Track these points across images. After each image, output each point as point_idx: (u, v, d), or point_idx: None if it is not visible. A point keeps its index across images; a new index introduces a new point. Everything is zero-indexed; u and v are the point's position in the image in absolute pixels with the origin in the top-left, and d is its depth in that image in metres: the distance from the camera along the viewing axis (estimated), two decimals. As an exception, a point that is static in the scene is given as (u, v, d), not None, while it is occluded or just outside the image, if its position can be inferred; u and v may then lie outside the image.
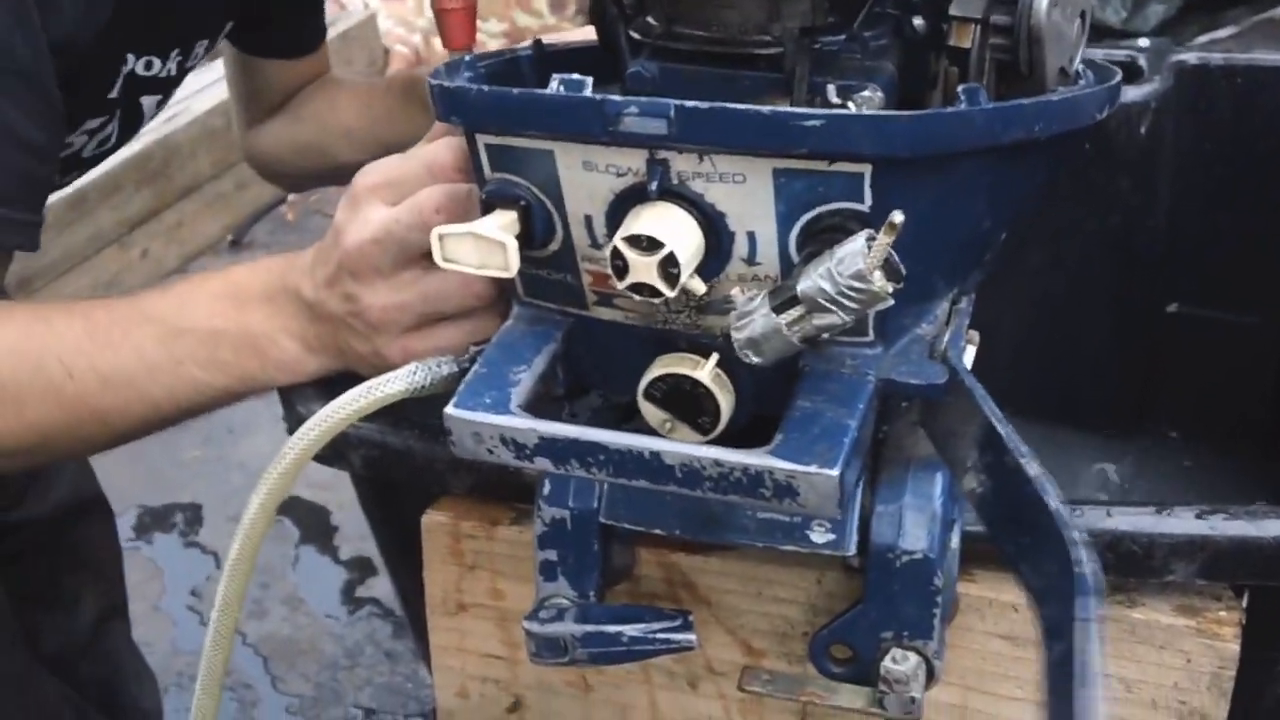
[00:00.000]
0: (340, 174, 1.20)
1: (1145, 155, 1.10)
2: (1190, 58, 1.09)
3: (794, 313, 0.50)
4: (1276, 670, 0.72)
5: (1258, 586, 0.68)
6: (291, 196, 2.66)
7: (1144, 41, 1.15)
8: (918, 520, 0.60)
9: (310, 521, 1.90)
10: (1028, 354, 1.17)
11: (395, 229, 0.68)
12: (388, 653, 1.70)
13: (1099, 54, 1.12)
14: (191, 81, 2.75)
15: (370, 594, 1.78)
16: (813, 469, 0.51)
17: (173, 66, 0.93)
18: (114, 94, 0.90)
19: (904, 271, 0.49)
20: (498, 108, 0.55)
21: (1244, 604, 0.68)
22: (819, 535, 0.62)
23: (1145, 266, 1.13)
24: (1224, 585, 0.68)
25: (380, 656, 1.70)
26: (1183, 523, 0.66)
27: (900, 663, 0.62)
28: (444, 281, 0.69)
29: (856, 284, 0.49)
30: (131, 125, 0.97)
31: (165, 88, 0.96)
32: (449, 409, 0.56)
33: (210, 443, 2.05)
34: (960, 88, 0.55)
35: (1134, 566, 0.66)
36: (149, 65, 0.91)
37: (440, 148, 0.69)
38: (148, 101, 0.95)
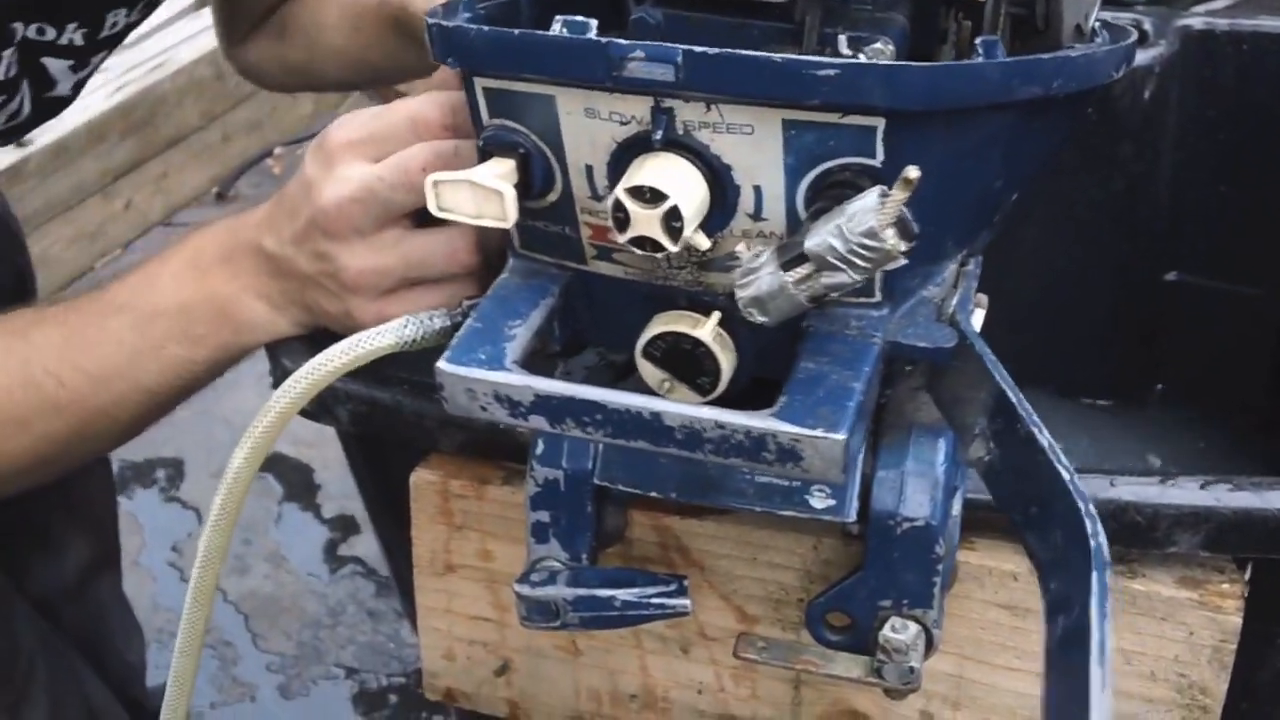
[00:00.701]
0: (329, 87, 1.17)
1: (1148, 121, 1.08)
2: (1195, 23, 1.08)
3: (802, 271, 0.49)
4: (1278, 644, 0.71)
5: (1261, 559, 0.67)
6: (278, 150, 2.63)
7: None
8: (920, 487, 0.59)
9: (293, 479, 1.89)
10: (1028, 321, 1.15)
11: (378, 187, 0.65)
12: (370, 612, 1.69)
13: (1106, 17, 1.10)
14: (178, 30, 2.73)
15: (353, 553, 1.77)
16: (818, 433, 0.50)
17: (76, 37, 0.89)
18: (3, 75, 0.87)
19: (917, 229, 0.48)
20: (497, 49, 0.53)
21: (1246, 577, 0.67)
22: (819, 500, 0.61)
23: (1148, 234, 1.12)
24: (1227, 557, 0.67)
25: (362, 615, 1.69)
26: (1187, 493, 0.65)
27: (900, 632, 0.60)
28: (429, 247, 0.67)
29: (868, 242, 0.47)
30: (44, 90, 0.93)
31: (77, 55, 0.91)
32: (441, 364, 0.54)
33: (194, 397, 2.03)
34: (978, 40, 0.53)
35: (1136, 537, 0.65)
36: (41, 31, 0.87)
37: (425, 103, 0.67)
38: (56, 65, 0.91)
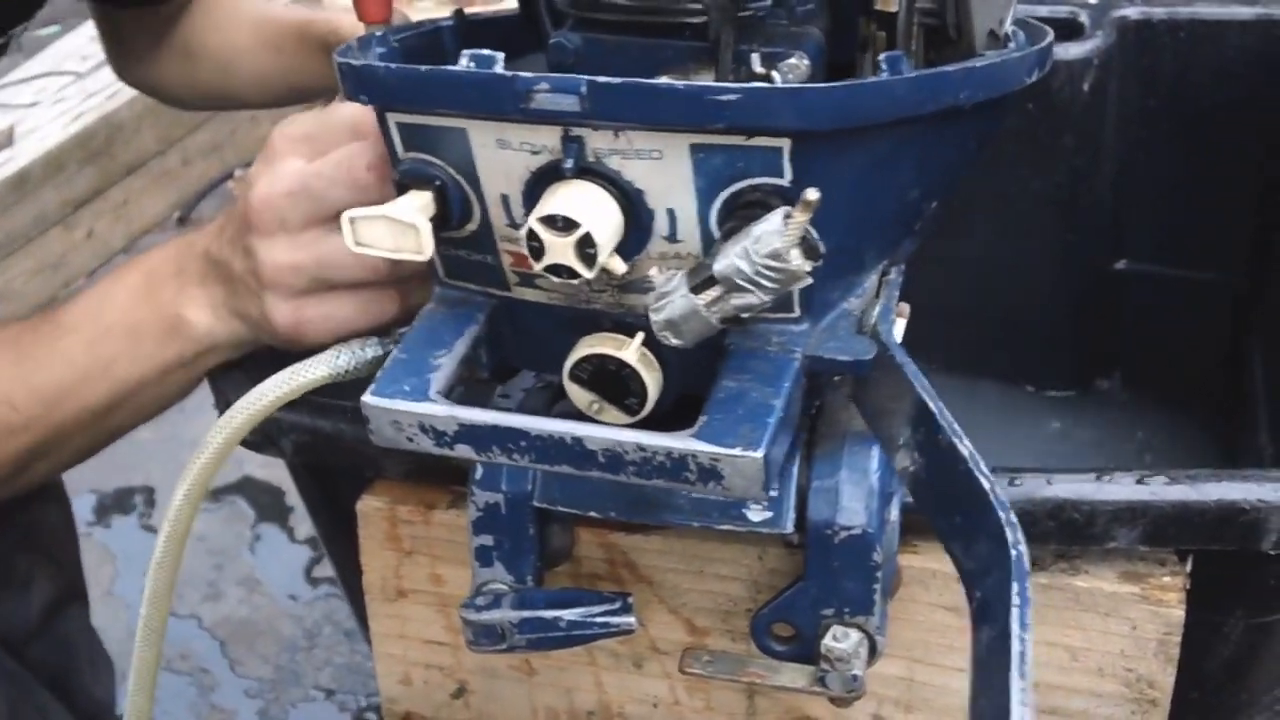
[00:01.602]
0: (248, 107, 1.13)
1: (1089, 112, 1.09)
2: (1132, 12, 1.08)
3: (712, 293, 0.49)
4: (1222, 633, 0.72)
5: (1201, 550, 0.67)
6: (238, 172, 2.62)
7: (1087, -4, 1.14)
8: (855, 495, 0.59)
9: (265, 501, 1.88)
10: (980, 314, 1.16)
11: (315, 182, 0.65)
12: (347, 632, 1.68)
13: (1043, 10, 1.11)
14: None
15: (328, 573, 1.76)
16: (736, 451, 0.50)
17: None
18: None
19: (823, 249, 0.48)
20: (406, 86, 0.53)
21: (1188, 569, 0.68)
22: (755, 514, 0.61)
23: (1094, 225, 1.13)
24: (1168, 550, 0.68)
25: (340, 636, 1.68)
26: (1123, 489, 0.65)
27: (841, 640, 0.61)
28: (340, 248, 0.65)
29: (773, 263, 0.47)
30: None
31: None
32: (365, 397, 0.55)
33: (162, 422, 2.00)
34: (881, 56, 0.53)
35: (1076, 534, 0.66)
36: None
37: (367, 112, 0.66)
38: None
